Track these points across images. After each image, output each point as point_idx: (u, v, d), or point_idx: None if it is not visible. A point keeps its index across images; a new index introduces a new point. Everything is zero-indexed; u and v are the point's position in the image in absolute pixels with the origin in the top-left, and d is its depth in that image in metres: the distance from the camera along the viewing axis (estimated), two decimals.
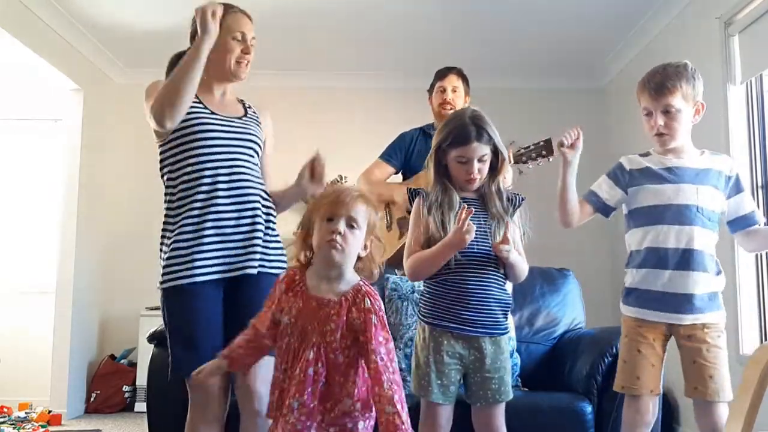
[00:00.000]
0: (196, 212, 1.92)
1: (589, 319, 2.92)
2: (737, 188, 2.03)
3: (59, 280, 4.45)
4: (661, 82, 1.99)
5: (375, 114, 4.90)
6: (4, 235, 5.03)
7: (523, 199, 2.02)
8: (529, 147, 2.80)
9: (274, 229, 2.06)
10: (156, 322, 2.54)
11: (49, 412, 4.19)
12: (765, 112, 3.20)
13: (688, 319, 1.94)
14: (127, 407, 4.55)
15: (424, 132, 3.21)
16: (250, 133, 2.04)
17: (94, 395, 4.54)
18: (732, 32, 3.27)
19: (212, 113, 2.01)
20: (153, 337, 2.34)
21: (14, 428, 3.95)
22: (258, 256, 1.96)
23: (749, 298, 3.12)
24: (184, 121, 1.95)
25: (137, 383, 4.50)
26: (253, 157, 2.04)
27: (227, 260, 1.93)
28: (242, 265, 1.94)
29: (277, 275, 1.83)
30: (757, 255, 3.11)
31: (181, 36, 4.92)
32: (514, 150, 2.85)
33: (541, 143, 2.77)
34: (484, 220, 1.94)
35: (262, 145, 2.09)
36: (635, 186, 2.05)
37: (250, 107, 2.16)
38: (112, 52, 4.76)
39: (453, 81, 3.12)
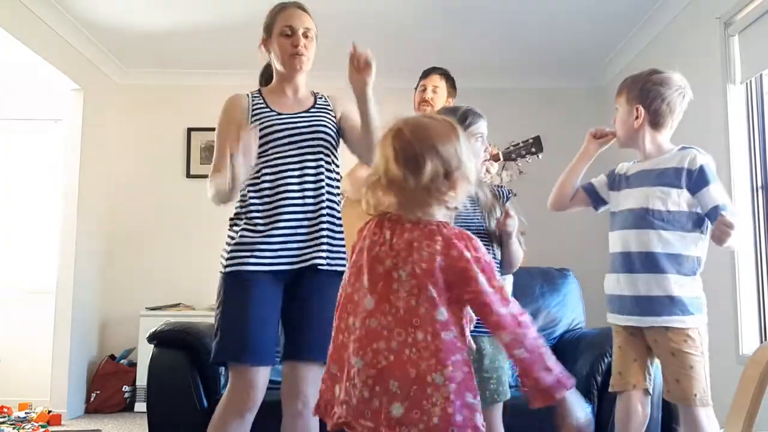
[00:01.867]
0: (266, 206, 1.95)
1: (589, 319, 2.92)
2: (703, 181, 1.92)
3: (59, 280, 4.45)
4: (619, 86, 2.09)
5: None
6: (4, 235, 5.03)
7: (510, 193, 2.04)
8: (518, 144, 2.81)
9: (339, 225, 2.04)
10: (156, 322, 2.55)
11: (49, 412, 4.19)
12: (765, 112, 3.20)
13: (647, 322, 1.94)
14: (127, 407, 4.55)
15: None
16: (317, 123, 2.03)
17: (94, 395, 4.53)
18: (732, 32, 3.26)
19: (278, 114, 2.02)
20: (153, 337, 2.34)
21: (14, 428, 3.95)
22: (325, 248, 1.95)
23: (749, 298, 3.12)
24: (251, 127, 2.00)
25: (137, 383, 4.50)
26: (322, 148, 2.02)
27: (293, 252, 1.94)
28: (309, 257, 1.94)
29: (337, 273, 1.88)
30: (756, 255, 3.10)
31: (181, 36, 4.93)
32: (504, 147, 2.87)
33: (530, 140, 2.78)
34: (474, 211, 1.94)
35: (333, 131, 2.07)
36: (612, 191, 2.12)
37: (321, 97, 2.14)
38: (112, 52, 4.76)
39: (435, 81, 3.18)
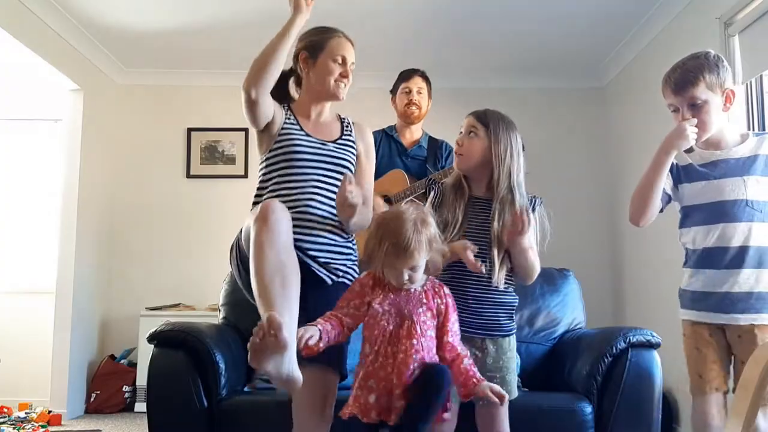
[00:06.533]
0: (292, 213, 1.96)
1: (589, 319, 2.92)
2: None
3: (59, 280, 4.45)
4: (681, 76, 1.90)
5: (375, 114, 4.90)
6: (4, 235, 5.03)
7: (541, 202, 2.01)
8: None
9: (351, 241, 2.09)
10: (156, 323, 2.54)
11: (49, 412, 4.19)
12: (765, 112, 3.20)
13: (742, 320, 1.85)
14: (127, 407, 4.55)
15: (387, 134, 3.27)
16: (340, 158, 2.08)
17: (94, 395, 4.53)
18: (732, 32, 3.27)
19: (306, 135, 2.06)
20: (153, 338, 2.33)
21: (14, 428, 3.95)
22: (332, 267, 1.98)
23: None
24: (279, 139, 2.02)
25: (137, 383, 4.50)
26: (342, 175, 2.05)
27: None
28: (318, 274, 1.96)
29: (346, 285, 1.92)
30: None
31: (181, 36, 4.92)
32: None
33: None
34: (489, 224, 1.93)
35: (354, 162, 2.13)
36: (682, 183, 1.96)
37: (348, 126, 2.18)
38: (112, 52, 4.76)
39: (418, 82, 3.22)
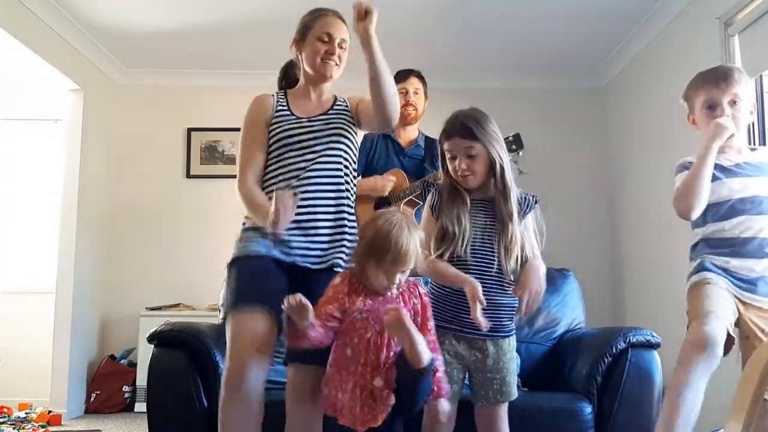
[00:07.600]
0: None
1: (589, 319, 2.92)
2: None
3: (59, 280, 4.45)
4: (727, 72, 1.95)
5: None
6: (4, 235, 5.03)
7: (537, 201, 2.01)
8: None
9: (356, 226, 2.05)
10: (156, 323, 2.54)
11: (49, 412, 4.19)
12: (765, 112, 3.20)
13: (752, 300, 1.85)
14: (127, 407, 4.55)
15: (384, 134, 3.28)
16: (333, 126, 2.06)
17: (94, 395, 4.54)
18: (732, 32, 3.27)
19: (297, 118, 2.06)
20: (153, 337, 2.34)
21: (14, 428, 3.95)
22: (347, 250, 1.96)
23: None
24: (271, 128, 2.03)
25: (137, 383, 4.50)
26: (338, 150, 2.04)
27: (314, 253, 1.95)
28: (331, 258, 1.95)
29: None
30: None
31: (181, 36, 4.92)
32: None
33: (510, 138, 2.76)
34: (490, 223, 1.93)
35: (351, 132, 2.10)
36: (713, 181, 1.95)
37: (342, 100, 2.17)
38: (112, 52, 4.76)
39: (414, 83, 3.23)
